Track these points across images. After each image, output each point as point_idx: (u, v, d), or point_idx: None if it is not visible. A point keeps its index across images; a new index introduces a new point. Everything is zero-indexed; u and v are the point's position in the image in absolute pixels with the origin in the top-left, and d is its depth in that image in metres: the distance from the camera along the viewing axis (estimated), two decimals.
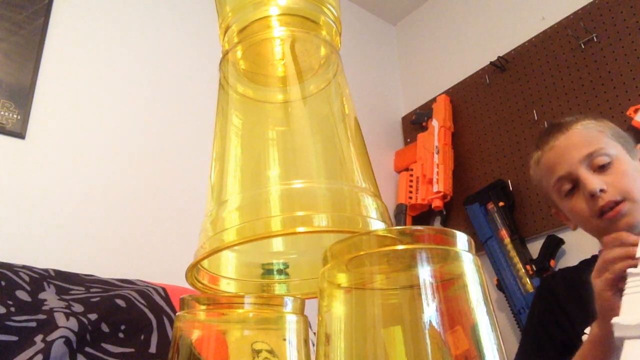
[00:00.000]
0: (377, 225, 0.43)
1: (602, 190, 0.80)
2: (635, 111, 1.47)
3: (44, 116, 1.34)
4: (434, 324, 0.33)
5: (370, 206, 0.44)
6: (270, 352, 0.52)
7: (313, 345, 0.46)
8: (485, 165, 1.86)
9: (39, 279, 0.99)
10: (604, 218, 0.81)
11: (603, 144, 0.84)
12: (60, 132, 1.36)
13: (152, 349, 0.95)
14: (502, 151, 1.81)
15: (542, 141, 0.91)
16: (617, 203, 0.80)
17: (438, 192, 1.85)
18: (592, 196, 0.81)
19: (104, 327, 0.92)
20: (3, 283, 0.91)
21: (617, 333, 0.51)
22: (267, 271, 0.55)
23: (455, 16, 2.17)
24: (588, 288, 0.77)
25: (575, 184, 0.85)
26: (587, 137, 0.85)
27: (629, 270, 0.57)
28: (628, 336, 0.50)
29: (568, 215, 0.90)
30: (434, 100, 2.08)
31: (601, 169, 0.83)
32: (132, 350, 0.93)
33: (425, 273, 0.34)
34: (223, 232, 0.42)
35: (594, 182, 0.81)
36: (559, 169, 0.86)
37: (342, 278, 0.38)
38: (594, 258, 0.93)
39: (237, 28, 0.52)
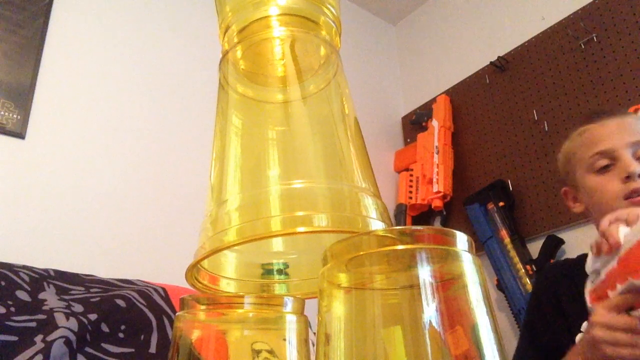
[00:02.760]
0: (377, 225, 0.43)
1: (639, 175, 0.83)
2: (635, 111, 1.47)
3: (44, 116, 1.34)
4: (434, 324, 0.33)
5: (370, 206, 0.44)
6: (270, 352, 0.52)
7: (313, 345, 0.46)
8: (485, 165, 1.86)
9: (39, 279, 0.99)
10: (629, 201, 0.83)
11: None
12: (60, 132, 1.36)
13: (152, 349, 0.95)
14: (502, 151, 1.81)
15: (595, 117, 0.94)
16: None
17: (438, 192, 1.85)
18: (628, 177, 0.84)
19: (104, 327, 0.92)
20: (3, 283, 0.91)
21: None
22: (267, 271, 0.55)
23: (455, 16, 2.17)
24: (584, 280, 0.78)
25: (612, 163, 0.87)
26: (639, 128, 0.89)
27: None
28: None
29: (588, 191, 0.91)
30: (434, 100, 2.08)
31: None
32: (132, 350, 0.93)
33: (425, 273, 0.34)
34: (223, 232, 0.42)
35: (635, 165, 0.84)
36: (604, 144, 0.88)
37: (342, 278, 0.38)
38: None
39: (237, 28, 0.51)
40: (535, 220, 1.65)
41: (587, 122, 0.94)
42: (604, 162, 0.87)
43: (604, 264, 0.66)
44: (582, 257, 0.96)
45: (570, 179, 0.96)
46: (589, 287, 0.68)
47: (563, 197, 1.01)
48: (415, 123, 2.12)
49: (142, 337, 0.96)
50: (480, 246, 1.69)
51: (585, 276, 0.71)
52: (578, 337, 0.74)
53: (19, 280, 0.94)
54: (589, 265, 0.68)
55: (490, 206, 1.72)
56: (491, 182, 1.78)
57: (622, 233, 0.64)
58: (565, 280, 0.92)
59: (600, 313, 0.64)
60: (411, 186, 1.96)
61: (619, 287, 0.63)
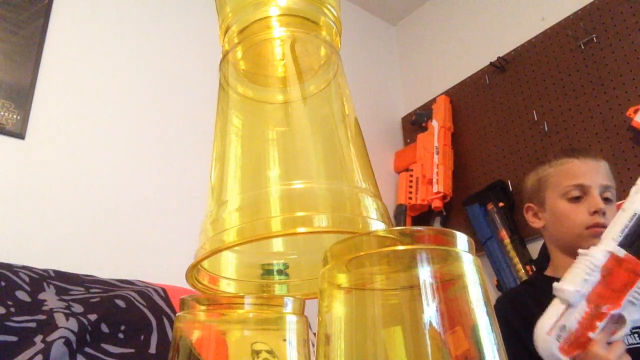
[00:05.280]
0: (377, 226, 0.43)
1: (603, 213, 1.01)
2: (635, 112, 1.47)
3: (44, 116, 1.34)
4: (434, 324, 0.33)
5: (370, 207, 0.44)
6: (270, 352, 0.52)
7: (313, 345, 0.46)
8: (485, 166, 1.86)
9: (39, 279, 0.99)
10: (590, 229, 1.01)
11: (614, 186, 1.08)
12: (60, 132, 1.36)
13: (152, 350, 0.95)
14: (502, 151, 1.81)
15: (577, 153, 1.11)
16: (604, 227, 0.95)
17: (438, 192, 1.85)
18: (595, 212, 1.01)
19: (104, 328, 0.92)
20: (3, 283, 0.91)
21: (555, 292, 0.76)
22: (267, 271, 0.55)
23: (455, 16, 2.17)
24: (533, 308, 0.87)
25: (582, 196, 1.05)
26: (609, 175, 1.08)
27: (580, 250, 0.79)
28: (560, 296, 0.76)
29: (556, 213, 1.08)
30: (433, 100, 2.08)
31: (605, 200, 1.04)
32: (132, 350, 0.93)
33: (425, 274, 0.34)
34: (223, 233, 0.42)
35: (602, 203, 1.02)
36: (582, 179, 1.05)
37: (342, 278, 0.38)
38: (545, 278, 1.07)
39: (237, 28, 0.51)
40: None
41: (569, 156, 1.10)
42: (576, 193, 1.05)
43: (567, 317, 0.76)
44: (525, 284, 1.18)
45: (537, 198, 1.13)
46: (556, 345, 0.76)
47: (524, 211, 1.17)
48: (415, 123, 2.12)
49: (142, 337, 0.96)
50: (480, 247, 1.69)
51: (532, 300, 0.81)
52: None
53: (19, 281, 0.94)
54: (547, 325, 0.77)
55: (490, 206, 1.72)
56: (491, 182, 1.78)
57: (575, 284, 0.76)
58: (514, 310, 1.03)
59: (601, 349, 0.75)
60: (411, 186, 1.96)
61: (600, 324, 0.75)
